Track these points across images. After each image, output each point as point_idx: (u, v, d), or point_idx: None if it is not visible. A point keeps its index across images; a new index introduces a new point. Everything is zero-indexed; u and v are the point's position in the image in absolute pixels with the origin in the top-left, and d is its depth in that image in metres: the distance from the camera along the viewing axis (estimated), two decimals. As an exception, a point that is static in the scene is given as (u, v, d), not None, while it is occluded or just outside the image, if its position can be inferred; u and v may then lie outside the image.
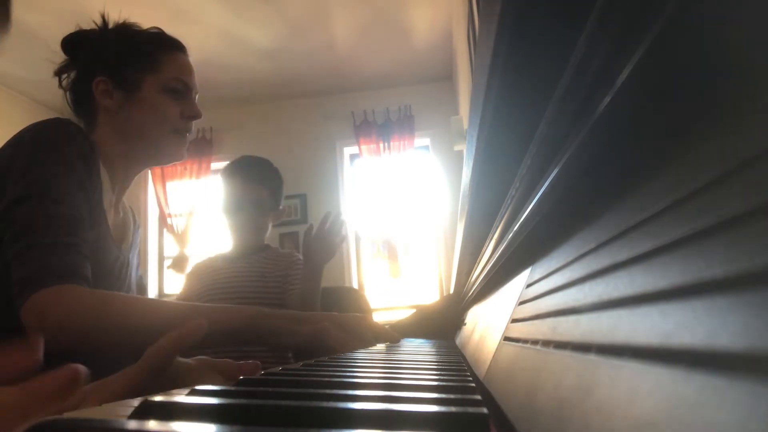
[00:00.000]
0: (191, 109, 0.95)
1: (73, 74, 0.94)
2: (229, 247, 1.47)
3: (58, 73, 0.94)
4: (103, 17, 0.95)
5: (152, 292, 4.06)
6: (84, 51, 0.93)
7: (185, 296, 1.44)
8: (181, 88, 0.93)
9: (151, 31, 0.97)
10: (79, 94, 0.92)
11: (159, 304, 0.73)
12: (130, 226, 1.00)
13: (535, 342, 0.27)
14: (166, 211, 4.12)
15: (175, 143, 0.94)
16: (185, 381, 0.45)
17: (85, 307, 0.65)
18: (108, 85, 0.89)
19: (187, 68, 0.96)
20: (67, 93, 0.94)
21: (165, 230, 4.18)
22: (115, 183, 0.92)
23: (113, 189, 0.92)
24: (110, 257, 0.85)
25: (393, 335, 0.91)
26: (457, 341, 1.08)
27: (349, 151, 4.18)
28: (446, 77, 3.98)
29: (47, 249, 0.67)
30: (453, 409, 0.22)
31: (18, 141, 0.76)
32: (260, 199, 1.40)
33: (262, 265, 1.41)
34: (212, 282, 1.38)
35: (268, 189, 1.43)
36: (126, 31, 0.95)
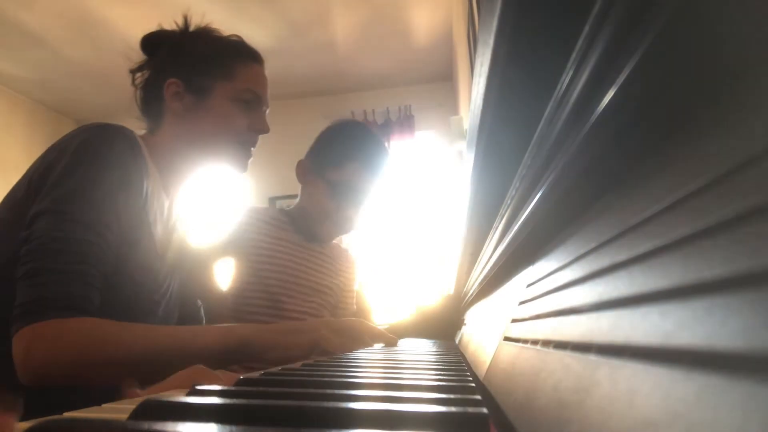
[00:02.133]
0: (259, 122, 0.93)
1: (147, 73, 0.92)
2: (302, 222, 1.10)
3: (134, 71, 0.93)
4: (185, 19, 0.94)
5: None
6: (162, 51, 0.92)
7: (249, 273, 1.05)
8: (252, 100, 0.92)
9: (232, 38, 0.96)
10: (150, 94, 0.91)
11: (150, 331, 0.70)
12: (178, 232, 0.96)
13: (535, 342, 0.27)
14: (166, 211, 4.12)
15: (239, 155, 0.92)
16: None
17: (69, 343, 0.63)
18: (179, 88, 0.88)
19: (261, 80, 0.95)
20: (138, 91, 0.92)
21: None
22: (169, 188, 0.90)
23: (168, 194, 0.89)
24: (150, 274, 0.82)
25: (390, 337, 0.90)
26: (457, 341, 1.08)
27: (349, 151, 4.18)
28: (446, 77, 3.97)
29: (52, 277, 0.65)
30: (453, 409, 0.22)
31: (62, 148, 0.73)
32: None
33: (336, 258, 1.15)
34: (294, 264, 1.05)
35: None
36: (206, 36, 0.94)
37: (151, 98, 0.91)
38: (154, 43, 0.93)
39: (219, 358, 0.71)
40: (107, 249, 0.71)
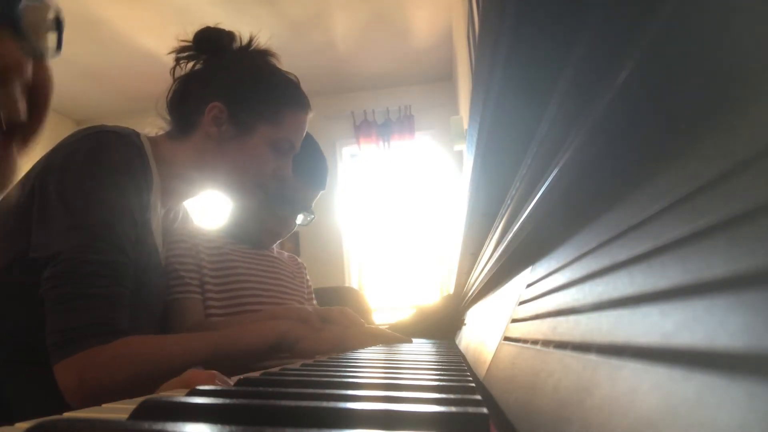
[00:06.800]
0: (284, 169, 0.91)
1: (191, 72, 0.88)
2: (242, 234, 1.07)
3: (180, 57, 0.88)
4: (250, 39, 0.92)
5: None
6: (222, 60, 0.89)
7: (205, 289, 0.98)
8: (286, 149, 0.90)
9: (289, 77, 0.94)
10: (188, 98, 0.87)
11: (196, 341, 0.71)
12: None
13: (535, 342, 0.27)
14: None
15: (251, 196, 0.91)
16: None
17: (123, 365, 0.63)
18: (222, 114, 0.85)
19: (302, 130, 0.93)
20: (176, 84, 0.88)
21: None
22: (166, 200, 0.87)
23: (164, 204, 0.87)
24: (154, 281, 0.82)
25: (401, 337, 0.95)
26: (457, 341, 1.08)
27: (349, 151, 4.18)
28: (446, 77, 3.97)
29: (91, 302, 0.64)
30: (453, 409, 0.22)
31: (69, 154, 0.70)
32: None
33: (287, 263, 1.15)
34: (255, 273, 1.02)
35: None
36: (265, 68, 0.91)
37: (187, 104, 0.87)
38: (213, 41, 0.89)
39: (257, 356, 0.74)
40: (131, 265, 0.71)
